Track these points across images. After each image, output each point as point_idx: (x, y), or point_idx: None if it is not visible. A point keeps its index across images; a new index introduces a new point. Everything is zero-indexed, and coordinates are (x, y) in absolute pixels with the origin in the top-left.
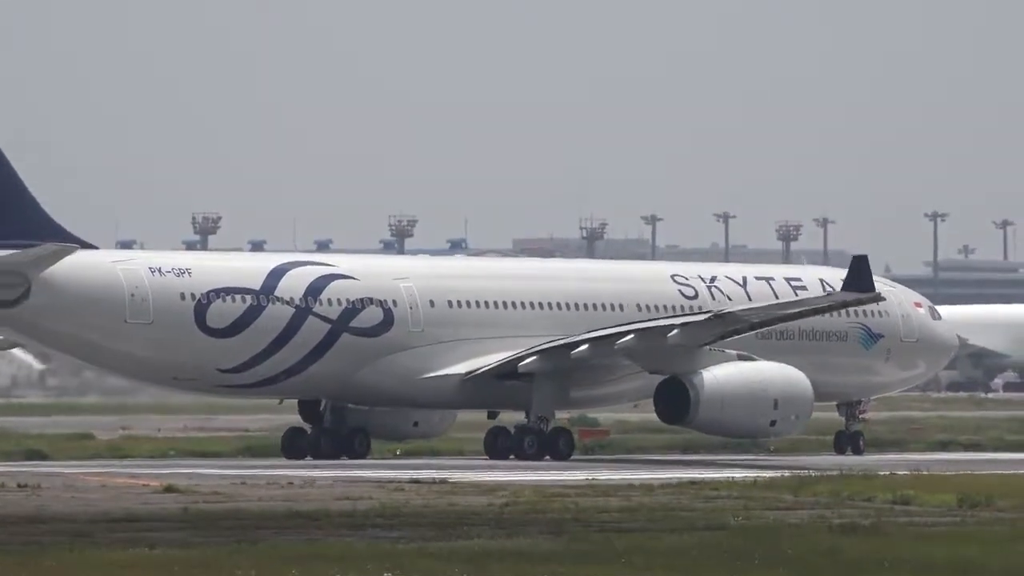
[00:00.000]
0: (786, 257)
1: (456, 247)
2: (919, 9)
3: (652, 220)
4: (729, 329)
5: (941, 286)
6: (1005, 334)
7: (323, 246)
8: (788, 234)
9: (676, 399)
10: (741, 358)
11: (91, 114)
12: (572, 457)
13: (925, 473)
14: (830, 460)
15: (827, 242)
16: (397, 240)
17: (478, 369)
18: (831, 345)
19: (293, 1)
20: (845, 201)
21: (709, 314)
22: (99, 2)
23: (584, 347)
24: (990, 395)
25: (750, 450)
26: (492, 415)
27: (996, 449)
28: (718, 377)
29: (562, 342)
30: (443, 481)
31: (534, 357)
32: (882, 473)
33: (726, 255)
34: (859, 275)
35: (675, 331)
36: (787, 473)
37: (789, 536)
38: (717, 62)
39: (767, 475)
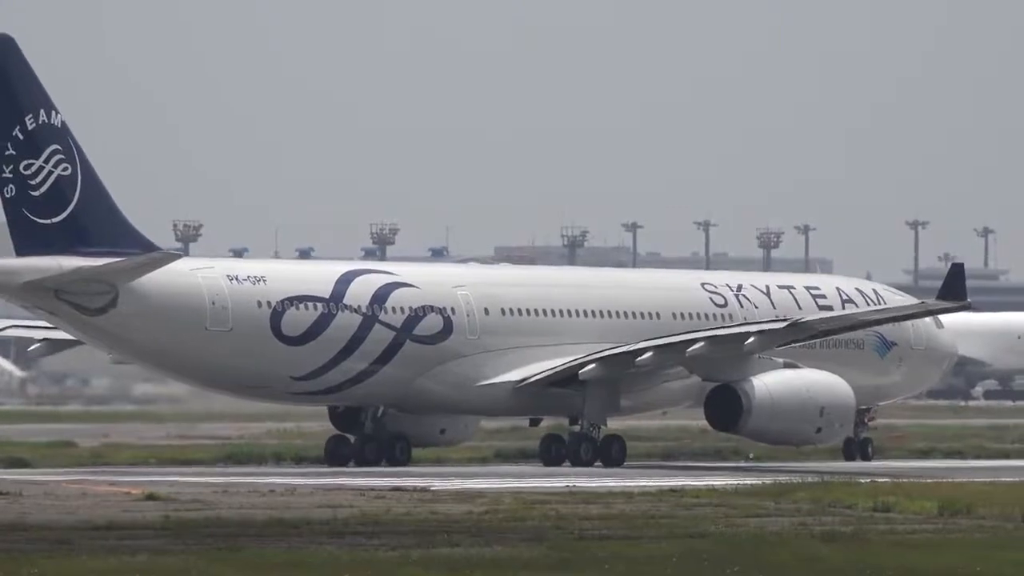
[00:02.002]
0: (767, 265)
1: (438, 255)
2: (902, 17)
3: (633, 228)
4: (800, 337)
5: (922, 294)
6: (986, 342)
7: (305, 254)
8: (769, 241)
9: (727, 406)
10: (787, 366)
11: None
12: (624, 464)
13: (906, 481)
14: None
15: (808, 250)
16: (379, 248)
17: (531, 376)
18: (849, 353)
19: (275, 11)
20: (826, 208)
21: (787, 321)
22: (82, 8)
23: (649, 354)
24: (971, 403)
25: (728, 457)
26: (534, 422)
27: (976, 457)
28: (768, 385)
29: (624, 349)
30: (424, 489)
31: (593, 364)
32: (863, 480)
33: (707, 263)
34: (954, 284)
35: (752, 339)
36: (768, 480)
37: (770, 544)
38: (695, 70)
39: (749, 482)
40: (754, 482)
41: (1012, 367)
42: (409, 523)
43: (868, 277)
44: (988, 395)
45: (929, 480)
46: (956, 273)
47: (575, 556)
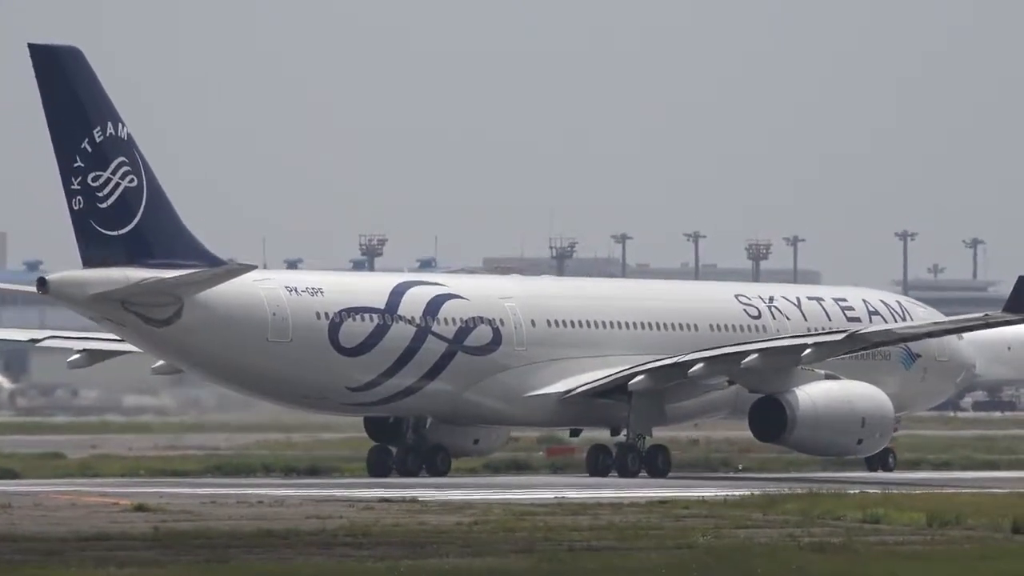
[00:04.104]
0: (756, 275)
1: (426, 266)
2: (892, 28)
3: (622, 239)
4: (854, 349)
5: None
6: (975, 353)
7: (292, 265)
8: (758, 253)
9: (771, 418)
10: (828, 377)
11: None
12: (669, 475)
13: (895, 492)
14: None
15: (797, 261)
16: (367, 259)
17: (577, 387)
18: (877, 364)
19: (260, 20)
20: (814, 220)
21: (844, 333)
22: (69, 8)
23: (701, 366)
24: (959, 414)
25: (718, 469)
26: (574, 433)
27: (965, 468)
28: (812, 396)
29: (674, 360)
30: (413, 500)
31: (642, 375)
32: (852, 492)
33: (696, 274)
34: (1020, 296)
35: (809, 350)
36: (757, 491)
37: (758, 555)
38: (684, 81)
39: (738, 493)
40: (743, 493)
41: (1001, 378)
42: (398, 534)
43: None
44: (977, 406)
45: (918, 491)
46: (1022, 286)
47: (564, 567)
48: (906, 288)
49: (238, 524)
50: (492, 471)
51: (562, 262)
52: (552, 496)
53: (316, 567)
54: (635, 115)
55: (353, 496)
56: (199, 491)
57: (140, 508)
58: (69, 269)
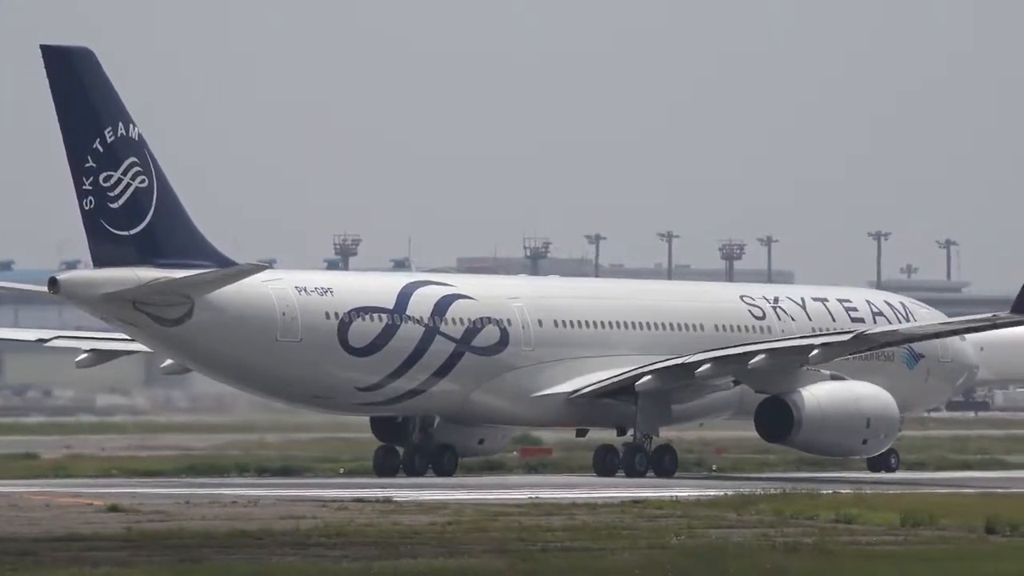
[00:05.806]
0: (730, 276)
1: (400, 266)
2: (863, 29)
3: (596, 239)
4: (860, 349)
5: None
6: None
7: (268, 264)
8: (732, 253)
9: (777, 418)
10: (833, 377)
11: (43, 136)
12: (676, 475)
13: (868, 492)
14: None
15: (771, 261)
16: (342, 259)
17: (584, 387)
18: (880, 365)
19: (241, 22)
20: (788, 220)
21: (851, 334)
22: (57, 17)
23: (708, 366)
24: (933, 415)
25: (691, 469)
26: (581, 433)
27: (938, 468)
28: (818, 397)
29: (681, 361)
30: (387, 500)
31: (649, 376)
32: (825, 492)
33: (669, 274)
34: None
35: (816, 351)
36: (730, 491)
37: (732, 555)
38: (657, 82)
39: (711, 493)
40: (716, 493)
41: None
42: (372, 535)
43: None
44: (951, 406)
45: (891, 491)
46: None
47: (537, 568)
48: (879, 288)
49: (212, 524)
50: (465, 471)
51: (536, 262)
52: (526, 496)
53: (290, 567)
54: (609, 116)
55: (327, 496)
56: (173, 491)
57: (114, 508)
58: (66, 270)
